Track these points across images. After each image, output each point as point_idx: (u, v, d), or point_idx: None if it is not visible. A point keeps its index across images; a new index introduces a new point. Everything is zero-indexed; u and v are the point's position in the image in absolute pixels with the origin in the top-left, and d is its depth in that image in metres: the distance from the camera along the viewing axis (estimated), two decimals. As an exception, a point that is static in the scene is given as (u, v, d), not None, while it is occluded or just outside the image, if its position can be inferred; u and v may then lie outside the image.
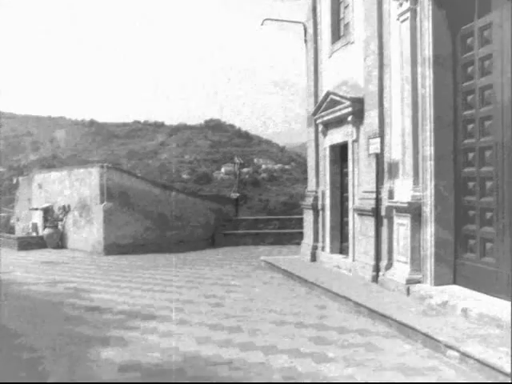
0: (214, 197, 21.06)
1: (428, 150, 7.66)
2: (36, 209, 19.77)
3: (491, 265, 6.78)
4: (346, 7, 11.03)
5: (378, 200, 8.86)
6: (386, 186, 8.81)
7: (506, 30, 6.43)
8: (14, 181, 24.57)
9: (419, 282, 7.72)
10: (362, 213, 9.47)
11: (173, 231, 17.31)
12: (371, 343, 5.87)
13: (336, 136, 11.05)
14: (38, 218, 19.60)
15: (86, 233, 17.01)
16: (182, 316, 7.41)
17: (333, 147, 11.37)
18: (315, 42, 12.32)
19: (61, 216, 18.39)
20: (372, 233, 9.03)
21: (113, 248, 15.85)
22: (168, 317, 7.38)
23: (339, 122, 10.73)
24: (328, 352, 5.56)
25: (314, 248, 12.04)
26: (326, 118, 11.25)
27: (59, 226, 18.36)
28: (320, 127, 11.80)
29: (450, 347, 5.26)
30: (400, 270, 8.07)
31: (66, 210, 18.27)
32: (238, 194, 21.01)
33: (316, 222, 12.13)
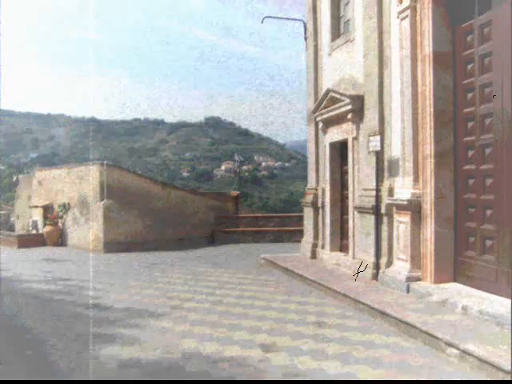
0: (213, 194, 21.03)
1: (428, 147, 7.65)
2: (36, 206, 19.78)
3: (491, 262, 6.78)
4: (346, 4, 11.01)
5: (378, 197, 8.86)
6: (386, 183, 8.81)
7: (506, 27, 6.41)
8: (14, 178, 24.60)
9: (419, 279, 7.72)
10: (362, 210, 9.47)
11: (172, 229, 17.32)
12: (371, 341, 5.87)
13: (336, 133, 11.04)
14: (38, 215, 19.62)
15: (86, 230, 17.01)
16: (182, 313, 7.41)
17: (333, 145, 11.37)
18: (315, 39, 12.30)
19: (61, 213, 18.39)
20: (372, 230, 9.03)
21: (112, 245, 15.86)
22: (168, 314, 7.38)
23: (339, 119, 10.71)
24: (328, 349, 5.56)
25: (314, 246, 12.04)
26: (325, 116, 11.24)
27: (59, 224, 18.38)
28: (320, 125, 11.79)
29: (450, 345, 5.26)
30: (400, 268, 8.07)
31: (65, 207, 18.27)
32: (237, 192, 21.02)
33: (316, 219, 12.13)
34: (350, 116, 10.06)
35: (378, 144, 8.74)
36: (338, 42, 11.14)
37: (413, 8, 7.89)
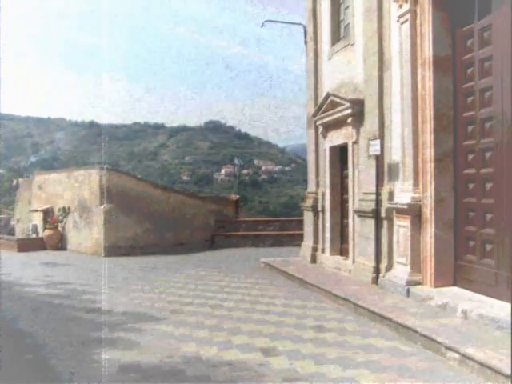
0: (213, 198, 21.02)
1: (428, 151, 7.66)
2: (36, 210, 19.77)
3: (491, 266, 6.77)
4: (346, 8, 11.04)
5: (378, 201, 8.85)
6: (386, 187, 8.81)
7: (506, 31, 6.43)
8: (14, 182, 24.60)
9: (419, 283, 7.71)
10: (362, 214, 9.46)
11: (172, 233, 17.30)
12: (371, 345, 5.86)
13: (336, 137, 11.05)
14: (38, 219, 19.60)
15: (86, 234, 17.00)
16: (182, 317, 7.40)
17: (333, 149, 11.37)
18: (315, 43, 12.32)
19: (61, 217, 18.38)
20: (372, 234, 9.03)
21: (112, 249, 15.83)
22: (168, 318, 7.38)
23: (339, 123, 10.72)
24: (328, 353, 5.55)
25: (314, 250, 12.03)
26: (326, 120, 11.25)
27: (59, 228, 18.36)
28: (320, 129, 11.79)
29: (450, 349, 5.25)
30: (400, 272, 8.06)
31: (65, 211, 18.26)
32: (237, 196, 21.00)
33: (316, 223, 12.12)
34: (350, 120, 10.06)
35: (378, 148, 8.74)
36: (338, 45, 11.16)
37: (413, 12, 7.90)
